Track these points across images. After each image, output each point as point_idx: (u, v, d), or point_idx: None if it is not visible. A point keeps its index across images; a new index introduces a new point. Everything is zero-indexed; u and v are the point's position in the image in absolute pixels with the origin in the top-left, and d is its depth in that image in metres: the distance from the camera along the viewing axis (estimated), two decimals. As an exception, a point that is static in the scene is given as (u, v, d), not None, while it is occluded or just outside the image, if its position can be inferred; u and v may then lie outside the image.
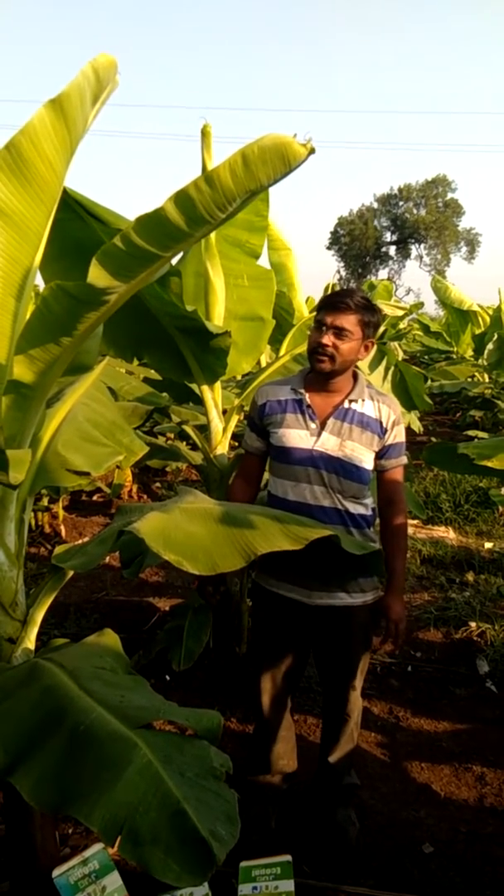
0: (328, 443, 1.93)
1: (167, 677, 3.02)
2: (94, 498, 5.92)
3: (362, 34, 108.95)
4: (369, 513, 2.02)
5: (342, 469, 1.94)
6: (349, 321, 1.89)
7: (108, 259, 1.32)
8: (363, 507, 2.00)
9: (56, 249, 2.37)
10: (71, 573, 1.70)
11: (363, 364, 3.36)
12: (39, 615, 1.67)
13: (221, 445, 3.05)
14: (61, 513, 5.11)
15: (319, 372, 1.94)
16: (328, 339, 1.89)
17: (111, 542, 1.66)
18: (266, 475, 2.17)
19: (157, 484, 6.30)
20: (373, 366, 3.38)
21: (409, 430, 6.32)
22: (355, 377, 2.03)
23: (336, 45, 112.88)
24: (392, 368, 3.52)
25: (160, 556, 1.46)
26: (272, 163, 1.24)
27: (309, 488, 1.94)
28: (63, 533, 4.99)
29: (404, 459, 2.09)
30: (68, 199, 2.29)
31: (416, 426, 5.69)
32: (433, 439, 8.82)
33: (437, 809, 2.29)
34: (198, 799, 1.07)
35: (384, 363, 3.45)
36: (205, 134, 2.85)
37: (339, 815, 2.11)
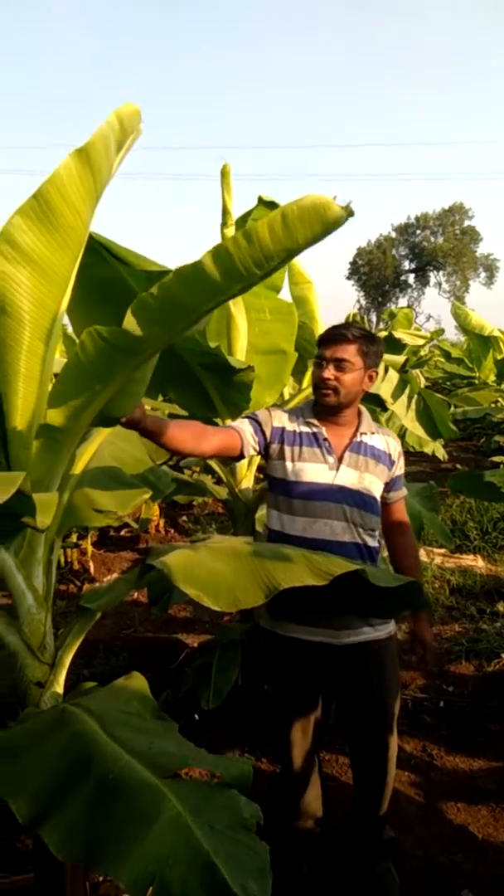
0: (347, 476, 1.92)
1: (196, 716, 2.98)
2: (122, 533, 5.93)
3: (377, 67, 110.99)
4: (378, 545, 2.01)
5: (362, 502, 1.92)
6: (348, 352, 1.89)
7: (144, 309, 1.34)
8: (375, 539, 1.98)
9: (82, 293, 2.41)
10: (99, 614, 1.69)
11: (385, 393, 3.35)
12: (68, 658, 1.66)
13: (246, 479, 3.04)
14: (90, 549, 5.13)
15: (326, 406, 1.94)
16: (329, 373, 1.89)
17: (136, 577, 1.66)
18: (261, 511, 2.13)
19: (184, 518, 6.30)
20: (396, 395, 3.37)
21: (433, 457, 6.27)
22: (359, 411, 2.03)
23: (351, 78, 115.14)
24: (415, 397, 3.50)
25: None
26: (310, 223, 1.25)
27: (329, 524, 1.90)
28: (92, 569, 5.00)
29: (405, 490, 2.13)
30: (92, 243, 2.34)
31: (441, 454, 5.65)
32: (458, 466, 8.73)
33: (475, 853, 2.21)
34: (228, 853, 1.03)
35: (407, 392, 3.43)
36: (224, 174, 2.90)
37: (378, 869, 2.00)
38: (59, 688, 1.65)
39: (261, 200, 3.37)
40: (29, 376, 1.56)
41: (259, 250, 1.26)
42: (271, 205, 3.35)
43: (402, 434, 5.02)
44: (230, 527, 5.86)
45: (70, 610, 4.47)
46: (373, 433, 2.00)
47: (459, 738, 2.82)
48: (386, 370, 3.37)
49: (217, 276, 1.28)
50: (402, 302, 52.30)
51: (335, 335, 1.92)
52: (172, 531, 6.13)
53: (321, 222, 1.25)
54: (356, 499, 1.91)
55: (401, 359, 3.98)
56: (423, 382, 8.27)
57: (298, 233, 1.26)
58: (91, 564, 5.05)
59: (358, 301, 49.94)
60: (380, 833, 2.01)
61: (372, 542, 1.96)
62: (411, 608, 1.94)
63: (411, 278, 53.48)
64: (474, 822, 2.35)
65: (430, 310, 53.77)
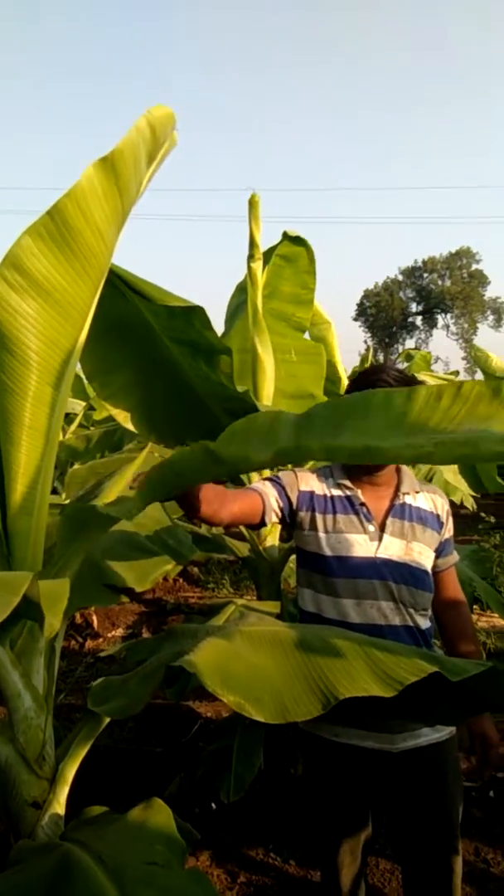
0: (392, 547, 1.62)
1: (213, 805, 2.63)
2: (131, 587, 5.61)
3: (392, 111, 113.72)
4: (431, 626, 1.70)
5: (412, 577, 1.62)
6: None
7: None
8: (428, 619, 1.68)
9: (94, 330, 2.17)
10: (108, 719, 1.39)
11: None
12: (71, 771, 1.36)
13: (272, 536, 2.75)
14: (93, 602, 4.80)
15: (362, 464, 1.65)
16: None
17: (157, 678, 1.36)
18: (290, 583, 1.80)
19: (197, 569, 5.96)
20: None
21: (459, 506, 5.94)
22: (397, 467, 1.74)
23: (364, 122, 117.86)
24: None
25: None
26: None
27: (376, 605, 1.60)
28: (95, 623, 4.67)
29: (456, 556, 1.81)
30: (108, 273, 2.10)
31: (469, 503, 5.32)
32: (483, 515, 8.39)
33: None
34: None
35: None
36: (252, 204, 2.70)
37: None
38: (60, 808, 1.35)
39: (285, 236, 3.16)
40: (34, 427, 1.29)
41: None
42: (297, 240, 3.15)
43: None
44: (246, 578, 5.59)
45: (73, 668, 4.13)
46: (416, 492, 1.71)
47: (517, 840, 2.45)
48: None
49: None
50: (410, 343, 52.49)
51: (374, 381, 1.64)
52: (182, 580, 5.80)
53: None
54: (403, 573, 1.62)
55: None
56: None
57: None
58: (94, 618, 4.72)
59: (365, 342, 50.12)
60: None
61: (424, 624, 1.65)
62: (494, 710, 1.58)
63: (419, 320, 53.76)
64: None
65: (437, 351, 53.78)
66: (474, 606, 4.48)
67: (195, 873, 1.12)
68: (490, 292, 52.43)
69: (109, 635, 4.64)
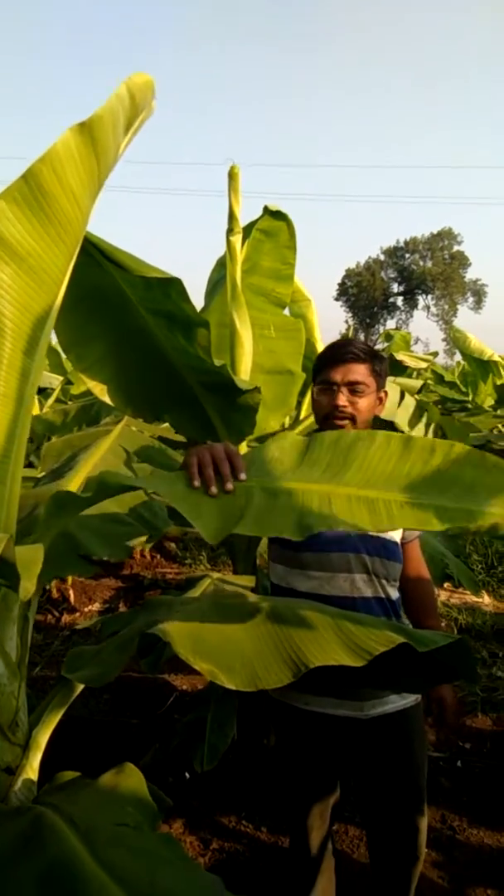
0: None
1: (186, 774, 2.67)
2: (105, 558, 5.60)
3: (375, 90, 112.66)
4: (400, 596, 1.73)
5: (384, 549, 1.64)
6: (361, 372, 1.64)
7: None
8: (397, 590, 1.70)
9: (70, 299, 2.14)
10: (81, 686, 1.40)
11: (401, 421, 3.10)
12: (44, 738, 1.37)
13: (248, 511, 2.76)
14: (70, 576, 4.79)
15: None
16: (343, 399, 1.63)
17: (132, 647, 1.37)
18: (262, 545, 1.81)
19: (174, 545, 5.98)
20: (413, 423, 3.12)
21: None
22: None
23: (346, 101, 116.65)
24: (433, 426, 3.25)
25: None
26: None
27: (349, 578, 1.62)
28: (72, 598, 4.67)
29: None
30: (84, 242, 2.07)
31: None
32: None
33: None
34: None
35: (424, 420, 3.18)
36: (232, 176, 2.66)
37: None
38: (34, 774, 1.36)
39: (266, 210, 3.14)
40: (6, 395, 1.27)
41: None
42: (278, 215, 3.12)
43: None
44: (223, 554, 5.61)
45: (48, 642, 4.14)
46: None
47: (484, 807, 2.52)
48: (402, 395, 3.12)
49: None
50: (391, 324, 52.65)
51: (344, 354, 1.66)
52: (159, 556, 5.82)
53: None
54: (377, 546, 1.64)
55: (417, 383, 3.74)
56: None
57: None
58: (71, 593, 4.72)
59: (347, 321, 50.12)
60: None
61: (395, 595, 1.68)
62: (458, 679, 1.62)
63: (399, 301, 53.82)
64: (505, 911, 2.06)
65: (418, 332, 53.99)
66: (446, 584, 4.56)
67: (165, 836, 1.13)
68: (470, 274, 52.64)
69: (86, 609, 4.65)
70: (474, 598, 4.61)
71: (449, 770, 2.75)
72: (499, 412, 8.55)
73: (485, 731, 3.00)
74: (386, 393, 1.77)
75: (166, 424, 3.00)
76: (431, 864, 2.24)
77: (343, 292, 53.96)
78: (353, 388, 1.64)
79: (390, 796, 1.67)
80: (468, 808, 2.52)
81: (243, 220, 2.84)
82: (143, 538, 1.65)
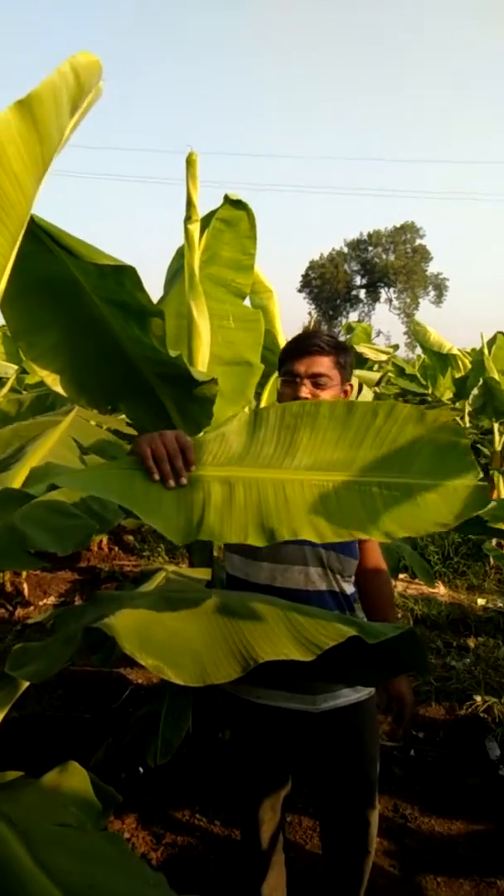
0: None
1: (140, 769, 2.65)
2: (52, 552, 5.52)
3: (339, 83, 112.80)
4: (355, 591, 1.73)
5: (340, 545, 1.63)
6: (325, 365, 1.63)
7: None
8: (352, 585, 1.71)
9: (20, 287, 2.08)
10: (27, 684, 1.36)
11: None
12: (-13, 737, 1.34)
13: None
14: (23, 570, 4.71)
15: None
16: (307, 392, 1.61)
17: (77, 641, 1.35)
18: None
19: (131, 537, 5.92)
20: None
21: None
22: None
23: (310, 92, 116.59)
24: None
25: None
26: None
27: (304, 571, 1.61)
28: (26, 591, 4.59)
29: None
30: (34, 228, 2.01)
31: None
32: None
33: (459, 938, 1.96)
34: None
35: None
36: (190, 163, 2.62)
37: None
38: (-24, 774, 1.32)
39: (227, 199, 3.10)
40: None
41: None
42: (238, 204, 3.09)
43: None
44: (181, 547, 5.58)
45: (1, 637, 4.06)
46: None
47: (435, 796, 2.56)
48: (360, 388, 3.12)
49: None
50: (353, 316, 52.98)
51: (308, 347, 1.64)
52: (117, 548, 5.76)
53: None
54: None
55: (375, 375, 3.75)
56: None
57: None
58: (25, 586, 4.64)
59: (309, 313, 50.26)
60: None
61: (349, 590, 1.68)
62: (409, 671, 1.62)
63: (362, 293, 54.23)
64: (455, 898, 2.09)
65: (380, 325, 54.42)
66: (402, 575, 4.61)
67: (109, 834, 1.11)
68: (432, 268, 53.24)
69: (41, 603, 4.57)
70: (430, 589, 4.67)
71: (402, 759, 2.78)
72: (457, 405, 8.68)
73: (438, 721, 3.05)
74: (351, 386, 1.77)
75: (120, 416, 2.95)
76: (383, 852, 2.26)
77: (306, 284, 54.14)
78: (316, 380, 1.63)
79: (342, 790, 1.67)
80: (420, 797, 2.55)
81: (203, 210, 2.80)
82: (93, 530, 1.61)
